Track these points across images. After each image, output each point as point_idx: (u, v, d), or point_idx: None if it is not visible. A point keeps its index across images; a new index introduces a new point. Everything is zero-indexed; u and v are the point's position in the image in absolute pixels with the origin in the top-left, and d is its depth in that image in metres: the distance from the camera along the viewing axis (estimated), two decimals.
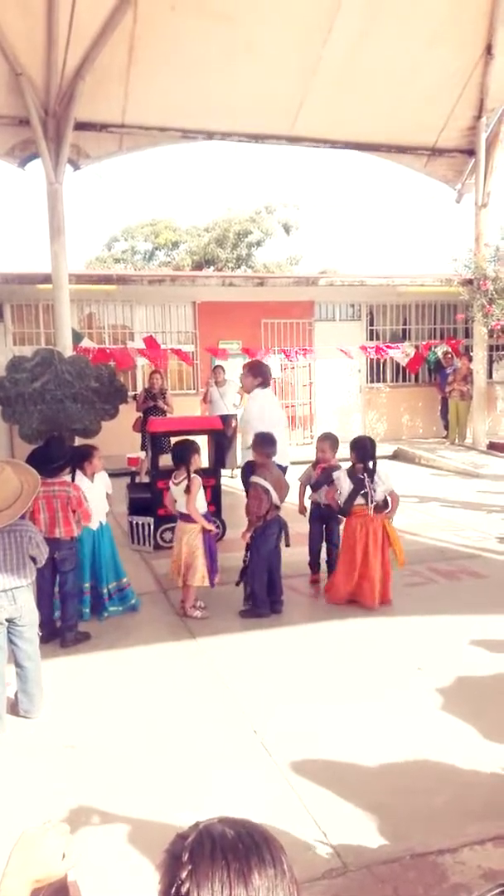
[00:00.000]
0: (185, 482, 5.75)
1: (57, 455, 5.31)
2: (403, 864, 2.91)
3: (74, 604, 5.35)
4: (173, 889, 0.98)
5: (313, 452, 6.81)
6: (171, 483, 5.95)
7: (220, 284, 14.10)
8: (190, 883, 0.96)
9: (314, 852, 2.98)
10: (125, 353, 11.91)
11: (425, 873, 2.86)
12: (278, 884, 0.99)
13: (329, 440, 6.56)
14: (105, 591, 5.78)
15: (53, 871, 1.25)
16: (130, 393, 12.02)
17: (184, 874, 0.97)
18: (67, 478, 5.39)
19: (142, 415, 10.76)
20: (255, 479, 5.80)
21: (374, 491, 5.88)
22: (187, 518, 5.79)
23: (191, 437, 6.39)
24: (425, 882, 2.81)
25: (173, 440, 6.33)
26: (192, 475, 5.78)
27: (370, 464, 5.95)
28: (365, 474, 5.89)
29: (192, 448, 5.94)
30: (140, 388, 13.51)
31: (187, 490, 5.72)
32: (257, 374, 6.88)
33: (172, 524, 7.66)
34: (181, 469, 5.86)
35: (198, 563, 5.71)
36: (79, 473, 5.65)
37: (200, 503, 5.85)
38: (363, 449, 6.00)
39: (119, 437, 10.82)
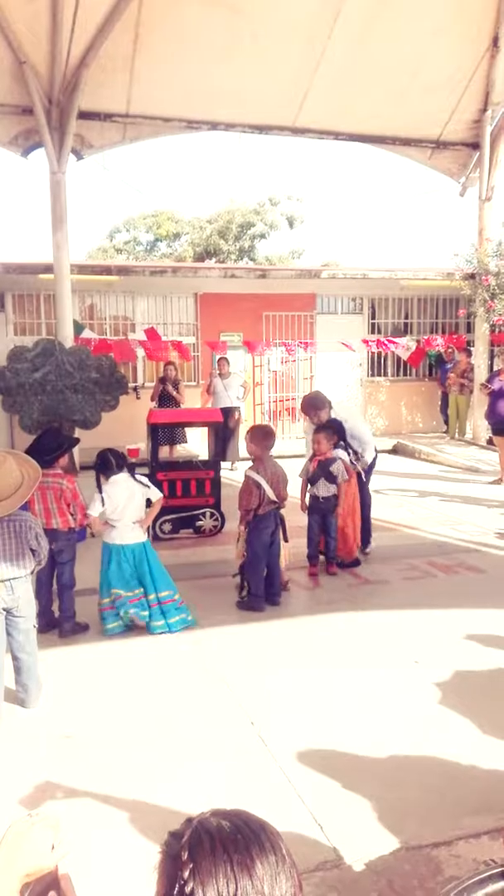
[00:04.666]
0: None
1: (50, 446, 5.27)
2: (398, 856, 2.93)
3: (71, 595, 5.34)
4: (176, 889, 0.95)
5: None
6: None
7: (222, 276, 14.06)
8: (193, 882, 0.94)
9: (310, 844, 2.99)
10: (126, 345, 11.88)
11: (420, 866, 2.87)
12: (280, 870, 0.98)
13: (324, 432, 6.54)
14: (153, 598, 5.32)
15: (42, 863, 1.22)
16: (131, 385, 12.04)
17: (186, 873, 0.95)
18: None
19: (157, 404, 11.06)
20: (247, 472, 5.84)
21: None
22: None
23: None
24: (420, 874, 2.83)
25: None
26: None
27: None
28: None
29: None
30: (141, 380, 13.58)
31: None
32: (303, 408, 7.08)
33: (171, 515, 7.69)
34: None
35: None
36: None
37: None
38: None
39: (119, 429, 10.82)
